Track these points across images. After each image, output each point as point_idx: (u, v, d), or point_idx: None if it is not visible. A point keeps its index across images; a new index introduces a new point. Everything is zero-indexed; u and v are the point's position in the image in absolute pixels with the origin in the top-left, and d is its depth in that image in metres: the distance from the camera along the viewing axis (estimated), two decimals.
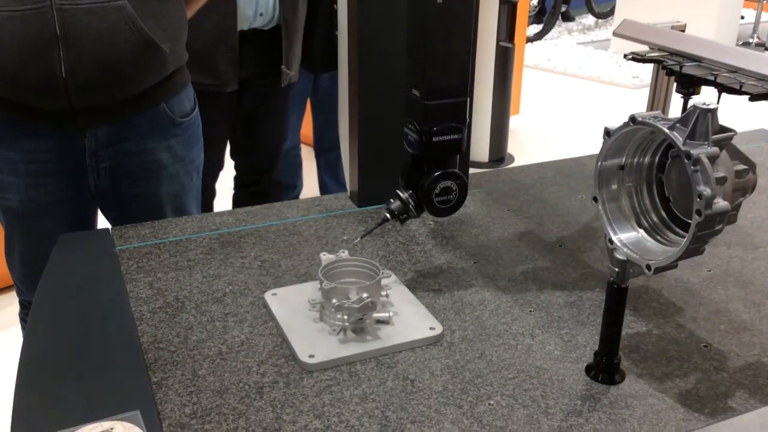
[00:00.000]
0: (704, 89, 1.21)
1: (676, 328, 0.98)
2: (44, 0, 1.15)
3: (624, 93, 5.45)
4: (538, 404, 0.83)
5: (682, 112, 0.75)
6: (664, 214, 0.83)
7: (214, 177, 2.34)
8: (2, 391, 1.33)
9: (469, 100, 1.03)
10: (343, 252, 1.04)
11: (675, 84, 1.27)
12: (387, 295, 0.99)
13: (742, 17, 6.60)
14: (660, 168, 0.83)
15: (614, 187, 0.84)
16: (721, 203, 0.71)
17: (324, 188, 2.93)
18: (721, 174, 0.72)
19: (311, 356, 0.89)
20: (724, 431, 0.80)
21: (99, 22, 1.19)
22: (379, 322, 0.95)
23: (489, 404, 0.83)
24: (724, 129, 0.74)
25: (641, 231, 0.83)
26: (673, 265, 0.77)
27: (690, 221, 0.73)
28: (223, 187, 2.44)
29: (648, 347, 0.94)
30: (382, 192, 1.13)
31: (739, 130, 0.80)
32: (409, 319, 0.97)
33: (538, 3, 7.11)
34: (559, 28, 7.52)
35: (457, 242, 1.21)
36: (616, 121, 0.79)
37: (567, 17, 7.62)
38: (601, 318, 0.87)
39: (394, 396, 0.84)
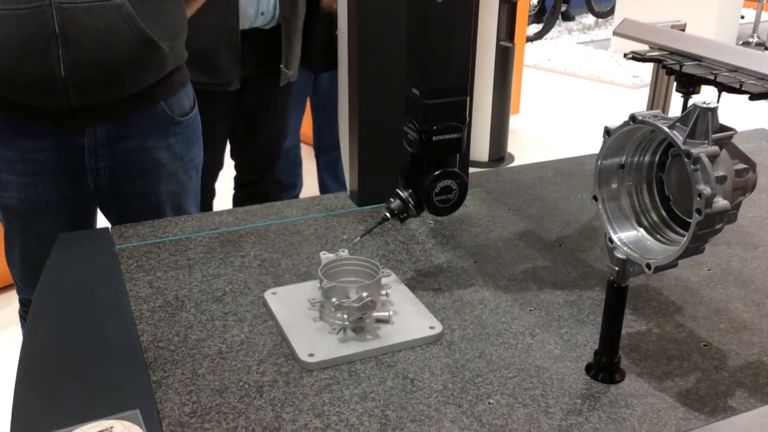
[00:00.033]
0: (704, 88, 1.21)
1: (676, 327, 0.98)
2: None
3: (624, 92, 5.45)
4: (538, 403, 0.83)
5: (682, 112, 0.75)
6: (664, 213, 0.83)
7: (214, 177, 2.34)
8: (2, 389, 1.33)
9: (469, 99, 1.03)
10: (343, 251, 1.04)
11: (675, 83, 1.28)
12: (387, 294, 0.99)
13: (742, 17, 6.60)
14: (660, 167, 0.82)
15: (614, 186, 0.83)
16: (721, 202, 0.71)
17: (324, 188, 2.93)
18: (721, 173, 0.72)
19: (311, 355, 0.89)
20: (724, 430, 0.80)
21: (98, 20, 1.19)
22: (379, 321, 0.95)
23: (489, 403, 0.83)
24: (724, 128, 0.74)
25: (641, 230, 0.83)
26: (673, 264, 0.77)
27: (690, 220, 0.73)
28: (223, 186, 2.44)
29: (648, 346, 0.94)
30: (382, 191, 1.13)
31: (739, 129, 0.80)
32: (408, 318, 0.97)
33: (538, 2, 7.11)
34: (559, 27, 7.52)
35: (457, 241, 1.21)
36: (616, 120, 0.79)
37: (567, 17, 7.62)
38: (601, 317, 0.87)
39: (394, 395, 0.84)
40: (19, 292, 1.51)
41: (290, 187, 2.74)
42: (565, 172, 1.51)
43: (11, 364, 0.91)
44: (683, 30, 1.69)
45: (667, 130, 0.73)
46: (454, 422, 0.80)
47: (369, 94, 1.25)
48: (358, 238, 1.14)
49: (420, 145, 1.01)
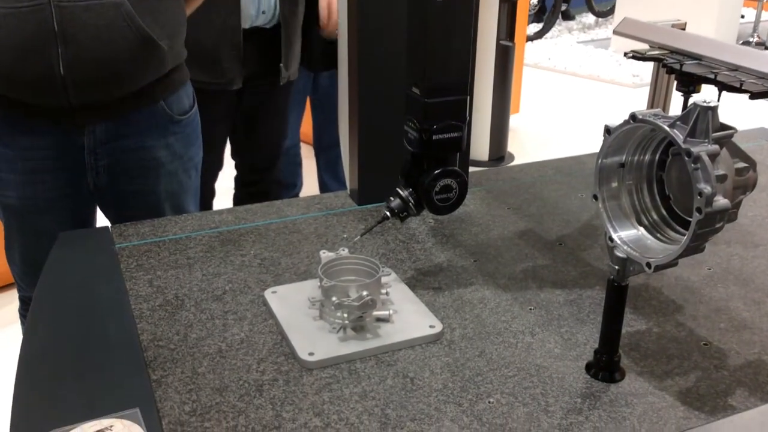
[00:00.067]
0: (704, 87, 1.21)
1: (676, 327, 0.98)
2: None
3: (624, 92, 5.45)
4: (538, 402, 0.83)
5: (683, 111, 0.75)
6: (664, 212, 0.83)
7: (214, 176, 2.34)
8: (2, 388, 1.33)
9: (469, 98, 1.03)
10: (343, 250, 1.04)
11: (675, 82, 1.27)
12: (387, 293, 0.99)
13: (743, 16, 6.60)
14: (660, 166, 0.82)
15: (614, 184, 0.83)
16: (721, 201, 0.71)
17: (324, 187, 2.93)
18: (721, 172, 0.71)
19: (311, 354, 0.89)
20: (724, 429, 0.80)
21: (97, 18, 1.19)
22: (379, 320, 0.95)
23: (489, 402, 0.83)
24: (724, 126, 0.74)
25: (641, 229, 0.83)
26: (673, 263, 0.77)
27: (690, 219, 0.73)
28: (223, 186, 2.44)
29: (648, 345, 0.94)
30: (382, 190, 1.13)
31: (739, 128, 0.80)
32: (408, 317, 0.97)
33: (539, 2, 7.11)
34: (560, 26, 7.52)
35: (457, 240, 1.21)
36: (617, 119, 0.79)
37: (567, 16, 7.62)
38: (601, 316, 0.87)
39: (394, 394, 0.84)
40: (19, 290, 1.51)
41: (290, 186, 2.74)
42: (565, 171, 1.51)
43: (11, 363, 0.91)
44: (683, 29, 1.69)
45: (667, 128, 0.73)
46: (454, 421, 0.80)
47: (369, 94, 1.25)
48: (358, 237, 1.14)
49: (420, 143, 1.01)
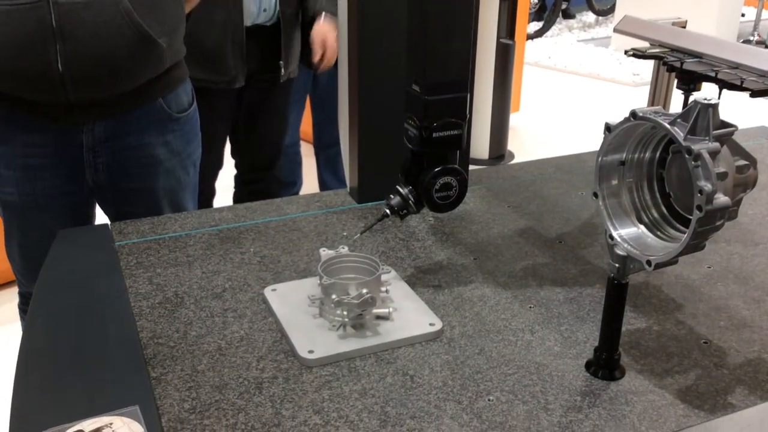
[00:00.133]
0: (705, 86, 1.21)
1: (676, 325, 0.98)
2: None
3: (624, 90, 5.45)
4: (538, 400, 0.83)
5: (683, 109, 0.75)
6: (664, 210, 0.83)
7: (214, 175, 2.34)
8: (1, 386, 1.33)
9: (469, 96, 1.03)
10: (343, 248, 1.04)
11: (676, 81, 1.27)
12: (387, 291, 0.99)
13: (743, 15, 6.60)
14: (660, 164, 0.82)
15: (615, 182, 0.83)
16: (721, 198, 0.71)
17: (324, 185, 2.93)
18: (722, 169, 0.71)
19: (311, 352, 0.89)
20: (724, 427, 0.80)
21: (95, 15, 1.19)
22: (379, 317, 0.95)
23: (488, 400, 0.83)
24: (725, 124, 0.74)
25: (642, 227, 0.83)
26: (673, 261, 0.77)
27: (690, 217, 0.72)
28: (223, 185, 2.44)
29: (648, 343, 0.94)
30: (382, 188, 1.13)
31: (739, 126, 0.80)
32: (408, 315, 0.97)
33: (539, 0, 7.11)
34: (560, 25, 7.52)
35: (457, 238, 1.21)
36: (617, 118, 0.79)
37: (567, 14, 7.62)
38: (601, 314, 0.86)
39: (394, 392, 0.84)
40: (19, 285, 1.52)
41: (290, 185, 2.74)
42: (565, 169, 1.51)
43: (11, 361, 0.91)
44: (684, 28, 1.69)
45: (668, 126, 0.73)
46: (453, 419, 0.80)
47: (369, 93, 1.25)
48: (358, 234, 1.14)
49: (420, 141, 1.01)
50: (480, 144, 3.89)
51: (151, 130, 1.38)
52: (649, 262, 0.78)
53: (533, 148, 4.29)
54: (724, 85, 1.13)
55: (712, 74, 1.15)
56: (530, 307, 1.02)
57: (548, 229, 1.25)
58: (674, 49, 1.26)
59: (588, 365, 0.89)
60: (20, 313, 1.54)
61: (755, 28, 6.59)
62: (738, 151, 0.77)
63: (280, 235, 1.21)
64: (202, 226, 1.24)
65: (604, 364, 0.87)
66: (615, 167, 0.83)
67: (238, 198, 2.51)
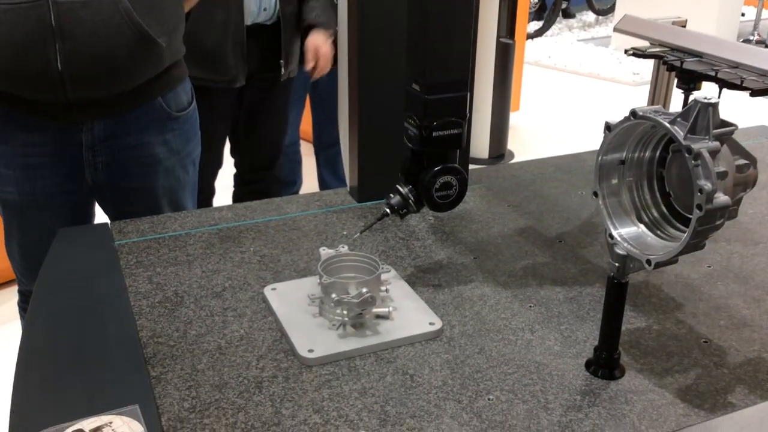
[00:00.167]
0: (705, 85, 1.21)
1: (676, 324, 0.98)
2: None
3: (624, 90, 5.45)
4: (538, 399, 0.83)
5: (683, 108, 0.75)
6: (664, 209, 0.83)
7: (214, 175, 2.34)
8: (1, 384, 1.33)
9: (469, 95, 1.03)
10: (343, 247, 1.04)
11: (676, 80, 1.27)
12: (386, 290, 0.99)
13: (743, 14, 6.60)
14: (660, 163, 0.82)
15: (615, 181, 0.83)
16: (721, 198, 0.71)
17: (323, 184, 2.93)
18: (722, 168, 0.71)
19: (310, 351, 0.89)
20: (724, 426, 0.80)
21: (94, 15, 1.19)
22: (379, 317, 0.95)
23: (488, 399, 0.83)
24: (725, 123, 0.74)
25: (641, 226, 0.83)
26: (673, 261, 0.77)
27: (690, 216, 0.72)
28: (223, 184, 2.44)
29: (648, 343, 0.94)
30: (382, 187, 1.13)
31: (739, 125, 0.80)
32: (408, 314, 0.97)
33: (539, 0, 7.11)
34: (560, 24, 7.52)
35: (457, 238, 1.21)
36: (617, 117, 0.79)
37: (567, 14, 7.62)
38: (600, 313, 0.86)
39: (394, 391, 0.84)
40: (19, 284, 1.52)
41: (290, 184, 2.74)
42: (565, 168, 1.51)
43: (10, 360, 0.91)
44: (684, 27, 1.69)
45: (668, 125, 0.73)
46: (453, 418, 0.80)
47: (369, 93, 1.25)
48: (358, 234, 1.14)
49: (420, 140, 1.01)
50: (480, 143, 3.89)
51: (151, 130, 1.38)
52: (649, 262, 0.78)
53: (533, 147, 4.29)
54: (724, 84, 1.13)
55: (712, 73, 1.15)
56: (530, 306, 1.02)
57: (548, 229, 1.25)
58: (674, 49, 1.26)
59: (588, 364, 0.89)
60: (20, 312, 1.54)
61: (755, 27, 6.59)
62: (738, 150, 0.77)
63: (279, 234, 1.21)
64: (202, 225, 1.24)
65: (604, 364, 0.87)
66: (615, 166, 0.83)
67: (237, 197, 2.51)
